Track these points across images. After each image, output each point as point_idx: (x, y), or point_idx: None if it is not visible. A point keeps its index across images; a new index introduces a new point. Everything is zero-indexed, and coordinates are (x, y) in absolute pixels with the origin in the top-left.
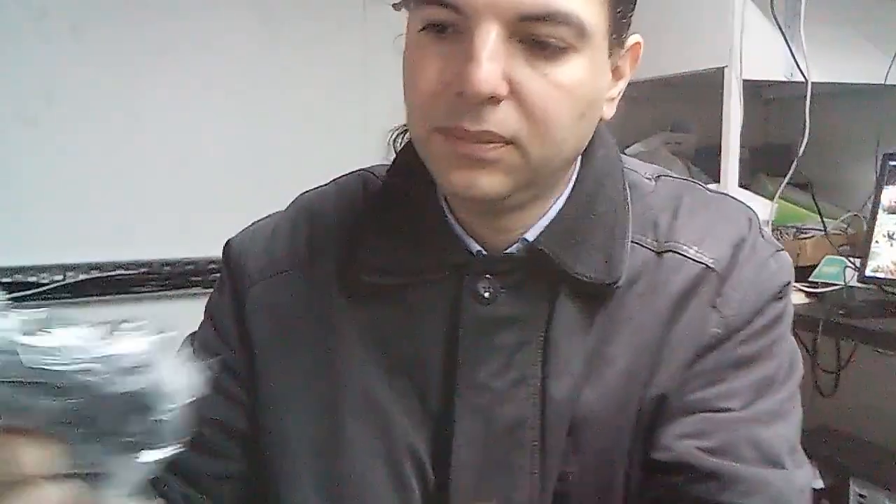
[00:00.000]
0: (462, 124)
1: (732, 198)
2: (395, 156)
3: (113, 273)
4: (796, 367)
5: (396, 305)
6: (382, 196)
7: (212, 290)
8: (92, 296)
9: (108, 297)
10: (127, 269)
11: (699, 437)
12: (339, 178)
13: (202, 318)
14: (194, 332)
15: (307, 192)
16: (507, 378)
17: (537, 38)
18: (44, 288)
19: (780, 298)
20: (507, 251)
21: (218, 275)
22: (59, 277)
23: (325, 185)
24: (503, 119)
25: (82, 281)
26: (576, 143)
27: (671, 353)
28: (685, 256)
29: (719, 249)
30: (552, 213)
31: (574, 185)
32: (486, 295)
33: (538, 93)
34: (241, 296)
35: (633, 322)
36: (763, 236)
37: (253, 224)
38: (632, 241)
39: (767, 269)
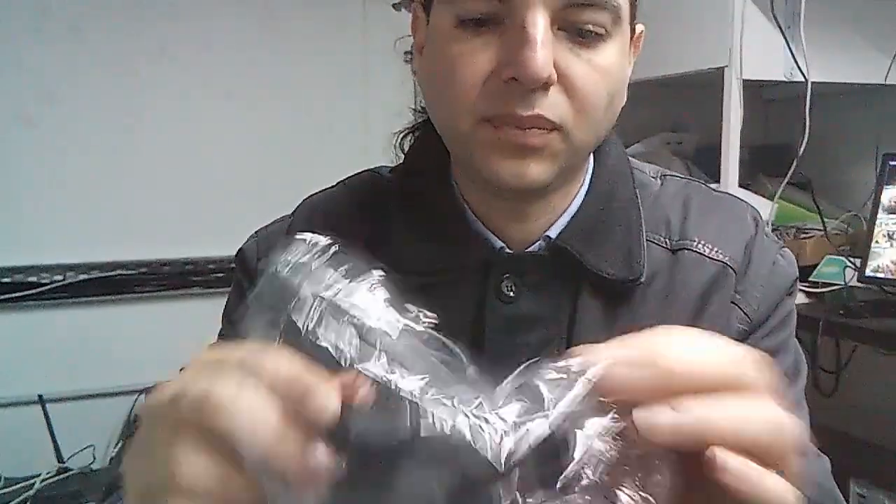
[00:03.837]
0: (514, 111)
1: (735, 196)
2: (403, 157)
3: (113, 273)
4: (803, 361)
5: (420, 305)
6: (398, 196)
7: (209, 290)
8: (92, 296)
9: (108, 297)
10: (127, 269)
11: None
12: (346, 179)
13: (219, 325)
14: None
15: (314, 194)
16: None
17: (578, 25)
18: (44, 288)
19: (791, 294)
20: (530, 249)
21: (218, 275)
22: (59, 277)
23: (332, 186)
24: (552, 104)
25: (82, 281)
26: (607, 125)
27: None
28: (702, 255)
29: (733, 248)
30: (572, 210)
31: (590, 183)
32: (510, 293)
33: (583, 78)
34: None
35: (656, 320)
36: (766, 234)
37: (260, 230)
38: (646, 240)
39: (778, 265)
